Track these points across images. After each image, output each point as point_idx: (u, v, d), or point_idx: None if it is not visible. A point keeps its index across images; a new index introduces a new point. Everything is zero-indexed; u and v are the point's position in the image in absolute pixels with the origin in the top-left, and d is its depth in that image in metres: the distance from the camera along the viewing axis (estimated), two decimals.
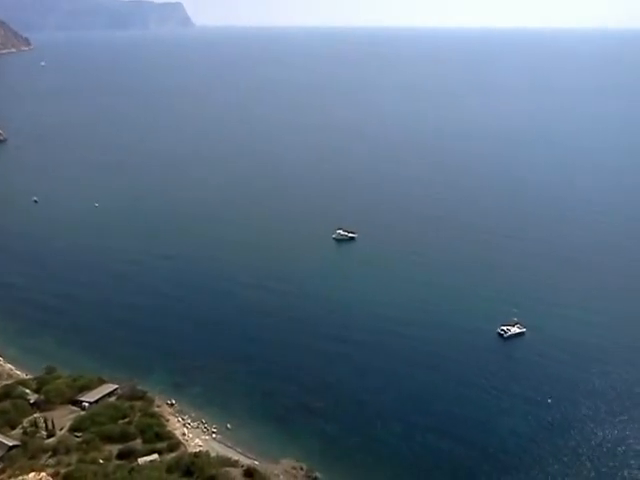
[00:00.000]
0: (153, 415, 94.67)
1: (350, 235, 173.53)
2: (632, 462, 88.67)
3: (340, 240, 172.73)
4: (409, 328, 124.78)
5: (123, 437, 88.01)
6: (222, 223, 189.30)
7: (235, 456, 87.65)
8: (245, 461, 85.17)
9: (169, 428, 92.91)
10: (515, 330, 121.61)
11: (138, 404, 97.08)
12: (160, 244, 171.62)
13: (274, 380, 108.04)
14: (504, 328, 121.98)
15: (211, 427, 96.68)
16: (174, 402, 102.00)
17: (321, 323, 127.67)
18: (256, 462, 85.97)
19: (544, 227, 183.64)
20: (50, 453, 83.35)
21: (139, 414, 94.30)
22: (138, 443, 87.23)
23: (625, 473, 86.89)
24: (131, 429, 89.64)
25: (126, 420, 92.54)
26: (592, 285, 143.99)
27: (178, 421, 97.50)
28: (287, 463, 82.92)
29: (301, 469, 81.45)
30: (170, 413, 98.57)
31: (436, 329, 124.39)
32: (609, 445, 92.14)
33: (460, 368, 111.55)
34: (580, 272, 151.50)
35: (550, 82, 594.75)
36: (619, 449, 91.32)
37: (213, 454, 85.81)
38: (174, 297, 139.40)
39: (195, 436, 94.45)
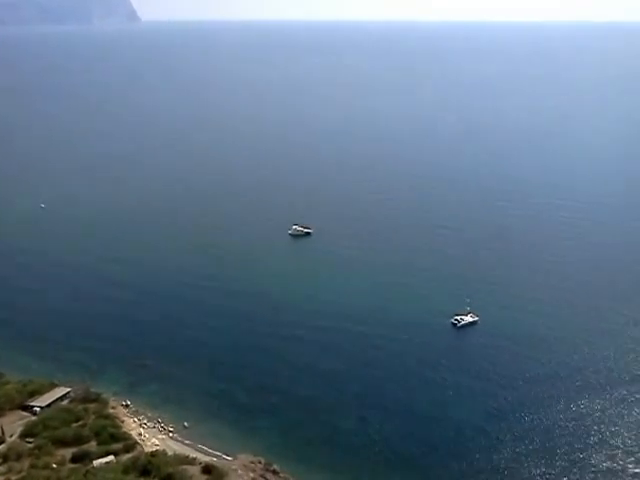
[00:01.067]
0: (108, 417, 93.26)
1: (306, 230, 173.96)
2: (576, 444, 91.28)
3: (296, 236, 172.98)
4: (365, 321, 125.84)
5: (77, 440, 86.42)
6: (174, 223, 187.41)
7: (193, 453, 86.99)
8: (203, 458, 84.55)
9: (125, 429, 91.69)
10: (468, 319, 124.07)
11: (92, 406, 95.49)
12: (107, 247, 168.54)
13: (230, 377, 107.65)
14: (457, 318, 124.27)
15: (168, 426, 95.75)
16: (129, 403, 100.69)
17: (276, 319, 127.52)
18: (214, 458, 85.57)
19: (495, 219, 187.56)
20: (0, 460, 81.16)
21: (93, 416, 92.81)
22: (93, 446, 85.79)
23: (570, 455, 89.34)
24: (85, 432, 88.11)
25: (80, 423, 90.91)
26: (542, 275, 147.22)
27: (134, 421, 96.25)
28: (245, 458, 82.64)
29: (259, 463, 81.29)
30: (125, 414, 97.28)
31: (391, 322, 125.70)
32: (556, 428, 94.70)
33: (415, 359, 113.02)
34: (531, 262, 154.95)
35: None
36: (565, 432, 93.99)
37: (170, 453, 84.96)
38: (125, 299, 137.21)
39: (152, 436, 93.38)
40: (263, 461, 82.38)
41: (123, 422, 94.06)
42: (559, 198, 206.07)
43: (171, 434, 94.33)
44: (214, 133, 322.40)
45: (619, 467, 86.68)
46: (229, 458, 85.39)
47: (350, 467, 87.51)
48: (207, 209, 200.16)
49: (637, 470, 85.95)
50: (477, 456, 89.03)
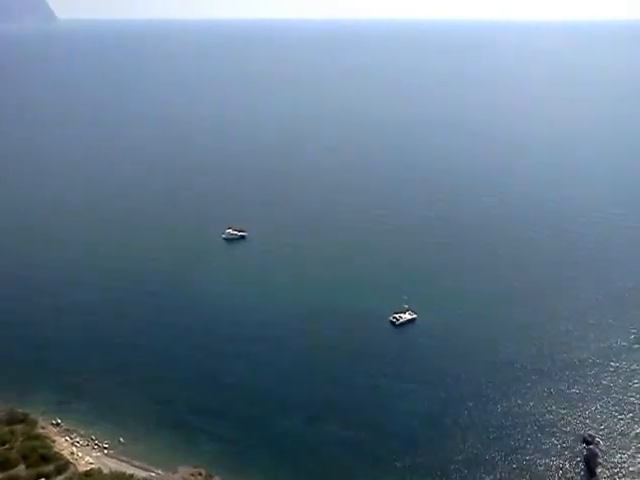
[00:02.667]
0: (37, 437, 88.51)
1: (240, 234, 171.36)
2: (514, 433, 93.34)
3: (230, 239, 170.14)
4: (304, 324, 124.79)
5: (4, 465, 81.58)
6: (103, 226, 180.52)
7: (130, 470, 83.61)
8: (141, 474, 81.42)
9: (56, 449, 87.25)
10: (407, 317, 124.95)
11: (19, 428, 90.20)
12: (26, 253, 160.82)
13: (165, 388, 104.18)
14: (396, 316, 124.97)
15: (102, 443, 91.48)
16: (60, 421, 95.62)
17: (212, 328, 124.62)
18: (152, 474, 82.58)
19: (433, 216, 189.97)
20: None
21: (21, 438, 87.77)
22: (22, 469, 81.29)
23: (511, 443, 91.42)
24: (12, 455, 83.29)
25: (6, 447, 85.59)
26: (479, 272, 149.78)
27: (65, 440, 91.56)
28: (185, 470, 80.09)
29: (200, 475, 78.97)
30: (56, 433, 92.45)
31: (330, 322, 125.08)
32: (494, 420, 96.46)
33: (355, 359, 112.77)
34: (469, 260, 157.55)
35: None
36: (502, 422, 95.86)
37: (106, 471, 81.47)
38: (50, 309, 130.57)
39: (85, 454, 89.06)
40: (204, 472, 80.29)
41: (54, 442, 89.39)
42: (492, 195, 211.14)
43: (106, 451, 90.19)
44: (143, 133, 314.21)
45: (553, 450, 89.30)
46: (168, 472, 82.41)
47: (294, 472, 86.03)
48: (137, 213, 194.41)
49: (570, 453, 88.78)
50: (420, 451, 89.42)
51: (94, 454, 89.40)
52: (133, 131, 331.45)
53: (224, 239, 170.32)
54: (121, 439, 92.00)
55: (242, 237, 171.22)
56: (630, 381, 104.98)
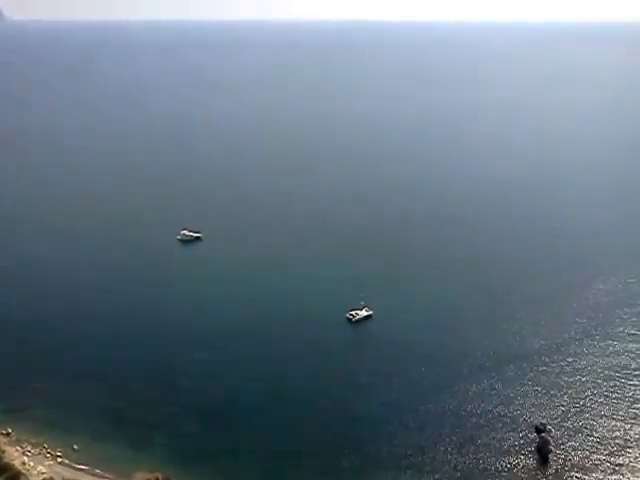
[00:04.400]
0: None
1: (195, 235, 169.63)
2: (469, 425, 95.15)
3: (185, 241, 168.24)
4: (261, 324, 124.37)
5: None
6: (55, 228, 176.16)
7: (84, 477, 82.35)
8: None
9: (6, 459, 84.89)
10: (363, 314, 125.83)
11: None
12: None
13: (119, 393, 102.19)
14: (352, 313, 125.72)
15: (55, 451, 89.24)
16: (10, 431, 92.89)
17: (165, 327, 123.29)
18: None
19: (388, 213, 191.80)
20: None
21: None
22: None
23: (466, 434, 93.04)
24: None
25: None
26: (435, 267, 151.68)
27: (16, 450, 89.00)
28: (142, 476, 78.91)
29: (157, 479, 77.88)
30: (6, 443, 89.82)
31: (288, 322, 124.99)
32: (451, 412, 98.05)
33: (312, 357, 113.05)
34: (422, 254, 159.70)
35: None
36: (460, 414, 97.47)
37: (59, 479, 79.36)
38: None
39: (38, 463, 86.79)
40: (161, 477, 79.08)
41: (4, 452, 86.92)
42: (440, 192, 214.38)
43: (60, 459, 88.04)
44: (91, 134, 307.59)
45: (507, 440, 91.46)
46: (124, 478, 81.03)
47: (250, 472, 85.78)
48: (88, 214, 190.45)
49: (523, 442, 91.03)
50: (376, 447, 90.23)
51: (47, 463, 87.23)
52: (80, 132, 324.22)
53: (179, 240, 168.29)
54: (75, 446, 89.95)
55: (197, 238, 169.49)
56: (577, 372, 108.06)
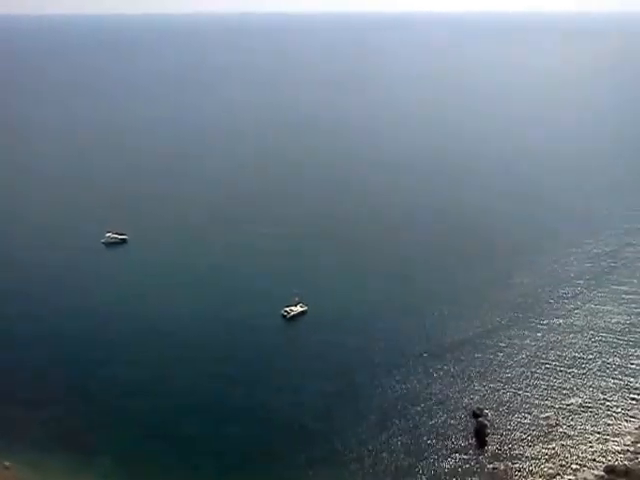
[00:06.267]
0: None
1: (121, 237, 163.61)
2: (407, 415, 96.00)
3: (110, 244, 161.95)
4: (193, 326, 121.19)
5: None
6: None
7: None
8: None
9: None
10: (298, 309, 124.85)
11: None
12: None
13: (54, 402, 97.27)
14: (287, 309, 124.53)
15: None
16: None
17: (90, 334, 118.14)
18: None
19: (317, 209, 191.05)
20: None
21: None
22: None
23: (405, 424, 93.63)
24: None
25: None
26: (368, 260, 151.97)
27: None
28: None
29: None
30: None
31: (221, 322, 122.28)
32: (388, 403, 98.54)
33: (247, 356, 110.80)
34: (360, 247, 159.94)
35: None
36: (398, 405, 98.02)
37: None
38: None
39: None
40: None
41: None
42: (367, 186, 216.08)
43: None
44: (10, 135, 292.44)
45: (445, 426, 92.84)
46: None
47: (193, 475, 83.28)
48: (8, 215, 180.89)
49: (461, 427, 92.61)
50: (315, 443, 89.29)
51: None
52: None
53: (103, 243, 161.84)
54: (6, 463, 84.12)
55: (123, 241, 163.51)
56: (510, 357, 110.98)
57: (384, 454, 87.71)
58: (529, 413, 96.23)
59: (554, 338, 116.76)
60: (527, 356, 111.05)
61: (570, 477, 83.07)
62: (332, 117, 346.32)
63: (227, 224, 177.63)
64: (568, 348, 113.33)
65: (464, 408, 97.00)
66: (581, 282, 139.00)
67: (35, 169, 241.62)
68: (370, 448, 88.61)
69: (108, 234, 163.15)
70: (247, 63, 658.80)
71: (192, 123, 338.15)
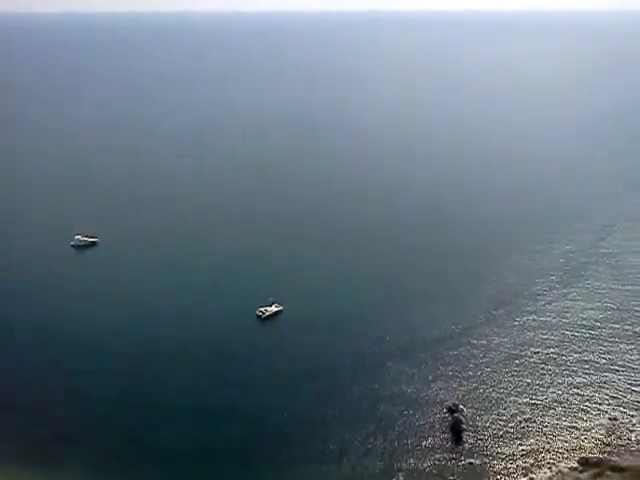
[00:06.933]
0: None
1: (91, 240, 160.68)
2: (384, 413, 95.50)
3: (80, 246, 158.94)
4: (165, 327, 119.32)
5: None
6: None
7: None
8: None
9: None
10: (273, 309, 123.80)
11: None
12: None
13: (23, 408, 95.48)
14: (262, 309, 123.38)
15: None
16: None
17: (59, 339, 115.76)
18: None
19: (291, 205, 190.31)
20: None
21: None
22: None
23: (382, 422, 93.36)
24: None
25: None
26: (344, 260, 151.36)
27: None
28: None
29: None
30: None
31: (196, 325, 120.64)
32: (366, 401, 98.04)
33: (223, 358, 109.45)
34: (332, 246, 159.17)
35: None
36: (375, 403, 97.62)
37: None
38: None
39: None
40: None
41: None
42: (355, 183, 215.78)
43: None
44: None
45: (421, 423, 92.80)
46: None
47: None
48: None
49: (437, 423, 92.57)
50: (293, 445, 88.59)
51: None
52: None
53: (73, 246, 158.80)
54: None
55: (93, 243, 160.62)
56: (486, 354, 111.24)
57: (361, 453, 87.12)
58: (504, 408, 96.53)
59: (528, 334, 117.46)
60: (502, 353, 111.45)
61: (545, 470, 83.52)
62: (310, 117, 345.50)
63: (200, 225, 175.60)
64: (542, 344, 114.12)
65: (440, 404, 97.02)
66: (554, 279, 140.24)
67: (4, 168, 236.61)
68: (347, 447, 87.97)
69: (77, 236, 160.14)
70: (234, 62, 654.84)
71: (166, 124, 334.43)
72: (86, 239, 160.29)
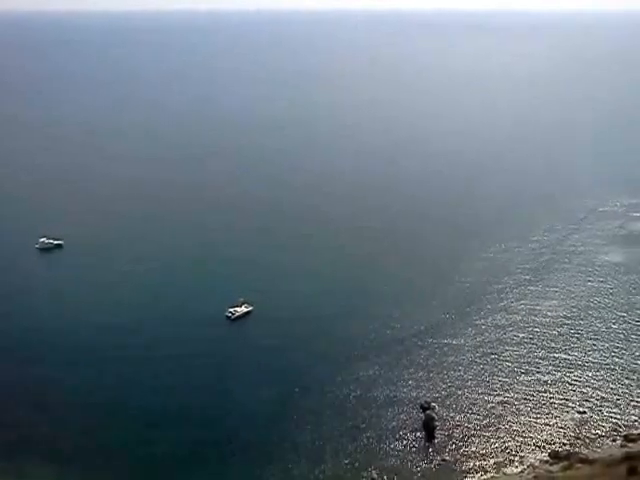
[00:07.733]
0: None
1: (56, 242, 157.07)
2: (357, 413, 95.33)
3: (45, 249, 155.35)
4: (135, 332, 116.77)
5: None
6: None
7: None
8: None
9: None
10: (242, 310, 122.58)
11: None
12: None
13: None
14: (231, 310, 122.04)
15: None
16: None
17: (30, 346, 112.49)
18: None
19: (261, 204, 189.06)
20: None
21: None
22: None
23: (355, 423, 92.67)
24: None
25: None
26: (314, 259, 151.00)
27: None
28: None
29: None
30: None
31: (161, 326, 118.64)
32: (337, 401, 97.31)
33: (192, 360, 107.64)
34: (299, 244, 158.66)
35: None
36: (347, 404, 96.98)
37: None
38: None
39: None
40: None
41: None
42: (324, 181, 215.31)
43: None
44: None
45: (394, 421, 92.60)
46: None
47: None
48: None
49: (410, 421, 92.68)
50: (266, 446, 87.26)
51: None
52: None
53: (38, 249, 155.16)
54: None
55: (58, 246, 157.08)
56: (456, 352, 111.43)
57: (332, 453, 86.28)
58: (476, 405, 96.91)
59: (497, 333, 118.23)
60: (472, 351, 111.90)
61: (517, 464, 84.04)
62: (263, 115, 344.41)
63: (168, 226, 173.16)
64: (510, 342, 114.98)
65: (412, 402, 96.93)
66: (523, 277, 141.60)
67: None
68: (317, 447, 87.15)
69: (42, 239, 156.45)
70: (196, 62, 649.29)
71: (138, 124, 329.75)
72: (51, 241, 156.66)
